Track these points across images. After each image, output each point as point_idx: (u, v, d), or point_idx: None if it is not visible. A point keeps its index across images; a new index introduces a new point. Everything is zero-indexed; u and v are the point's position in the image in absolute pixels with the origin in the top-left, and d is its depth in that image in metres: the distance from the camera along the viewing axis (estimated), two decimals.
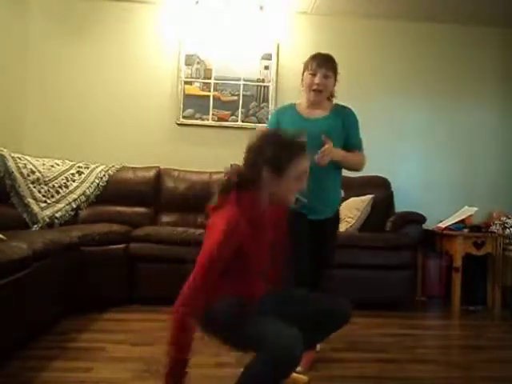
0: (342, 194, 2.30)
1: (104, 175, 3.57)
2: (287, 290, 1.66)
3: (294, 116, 2.14)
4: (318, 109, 2.12)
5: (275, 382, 1.32)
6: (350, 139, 2.11)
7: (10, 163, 3.13)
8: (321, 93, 2.08)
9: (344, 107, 2.17)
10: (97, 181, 3.53)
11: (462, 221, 3.54)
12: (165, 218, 3.59)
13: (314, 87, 2.07)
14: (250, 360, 1.33)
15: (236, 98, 3.88)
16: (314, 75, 2.06)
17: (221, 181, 1.47)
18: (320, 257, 2.08)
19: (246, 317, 1.39)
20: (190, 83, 3.89)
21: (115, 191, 3.53)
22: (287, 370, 1.31)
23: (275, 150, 1.38)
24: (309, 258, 2.05)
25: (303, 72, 2.13)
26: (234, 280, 1.44)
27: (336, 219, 2.18)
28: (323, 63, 2.07)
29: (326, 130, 2.01)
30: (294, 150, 1.40)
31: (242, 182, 1.42)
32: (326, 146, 1.94)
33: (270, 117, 2.12)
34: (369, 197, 3.57)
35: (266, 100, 3.91)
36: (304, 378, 1.84)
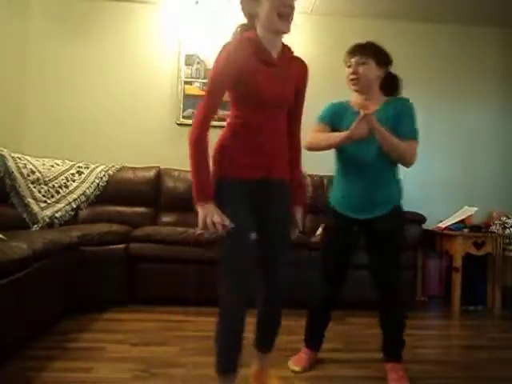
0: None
1: (104, 175, 3.57)
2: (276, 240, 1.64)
3: (351, 112, 1.99)
4: (369, 103, 1.95)
5: (225, 337, 1.52)
6: (399, 128, 1.88)
7: (10, 163, 3.13)
8: (358, 81, 1.94)
9: (400, 98, 1.99)
10: (97, 181, 3.53)
11: (462, 221, 3.54)
12: (165, 218, 3.59)
13: (350, 77, 1.95)
14: None
15: None
16: (349, 67, 1.96)
17: None
18: (376, 257, 1.98)
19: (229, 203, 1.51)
20: (190, 83, 3.89)
21: (115, 191, 3.53)
22: (228, 328, 1.51)
23: None
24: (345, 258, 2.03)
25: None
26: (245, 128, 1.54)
27: (388, 219, 1.95)
28: (355, 51, 1.97)
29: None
30: None
31: (244, 29, 1.55)
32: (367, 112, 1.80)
33: (324, 109, 2.03)
34: None
35: None
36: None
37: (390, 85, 2.03)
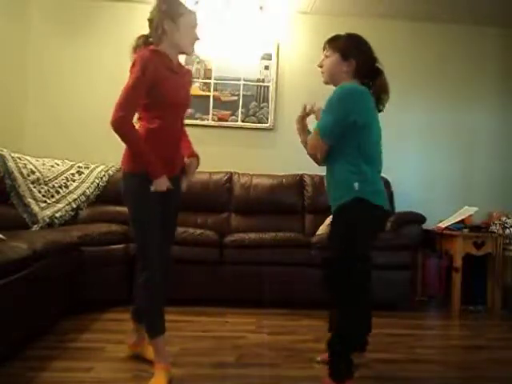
0: (356, 187, 1.79)
1: (104, 175, 3.57)
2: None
3: None
4: None
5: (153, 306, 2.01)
6: None
7: (10, 163, 3.13)
8: (322, 74, 1.97)
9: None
10: (97, 181, 3.53)
11: (462, 221, 3.54)
12: None
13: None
14: None
15: (236, 98, 3.88)
16: None
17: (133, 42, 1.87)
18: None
19: (143, 199, 1.83)
20: None
21: (115, 191, 3.50)
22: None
23: (169, 3, 1.78)
24: None
25: None
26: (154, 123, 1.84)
27: (336, 214, 1.87)
28: (325, 43, 1.97)
29: None
30: (183, 5, 1.82)
31: (148, 40, 1.84)
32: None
33: None
34: None
35: (266, 100, 3.91)
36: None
37: (371, 78, 1.94)
